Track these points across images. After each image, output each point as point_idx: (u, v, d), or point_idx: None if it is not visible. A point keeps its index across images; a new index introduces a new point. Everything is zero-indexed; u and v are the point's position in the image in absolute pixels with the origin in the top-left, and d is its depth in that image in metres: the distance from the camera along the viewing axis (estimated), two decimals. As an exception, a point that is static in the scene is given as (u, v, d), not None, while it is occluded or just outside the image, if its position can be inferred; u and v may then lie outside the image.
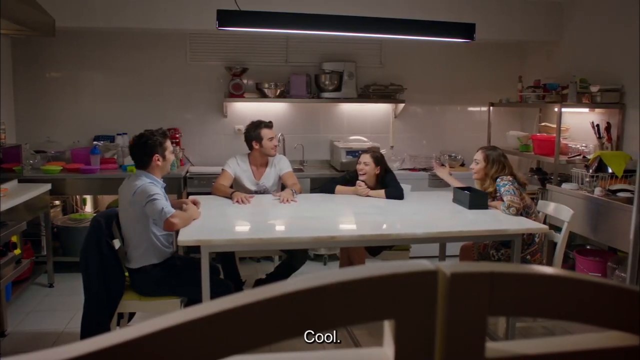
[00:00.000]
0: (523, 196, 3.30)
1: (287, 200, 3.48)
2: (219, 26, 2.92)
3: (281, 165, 3.90)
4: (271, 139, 3.76)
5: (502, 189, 3.27)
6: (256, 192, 3.82)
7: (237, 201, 3.44)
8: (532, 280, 0.53)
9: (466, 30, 3.29)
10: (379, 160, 3.71)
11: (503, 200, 3.22)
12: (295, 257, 3.66)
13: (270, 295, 0.49)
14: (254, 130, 3.78)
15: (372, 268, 0.51)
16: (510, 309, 0.53)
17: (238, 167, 3.82)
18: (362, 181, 3.69)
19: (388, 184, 3.66)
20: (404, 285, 0.51)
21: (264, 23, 3.04)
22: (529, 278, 0.53)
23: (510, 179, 3.30)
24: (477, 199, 3.31)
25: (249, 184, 3.83)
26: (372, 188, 3.69)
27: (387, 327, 0.54)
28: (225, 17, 2.89)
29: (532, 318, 3.34)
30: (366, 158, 3.70)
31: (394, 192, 3.60)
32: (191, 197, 3.30)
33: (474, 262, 3.32)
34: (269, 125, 3.80)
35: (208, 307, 0.49)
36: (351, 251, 3.57)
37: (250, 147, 3.83)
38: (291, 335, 0.51)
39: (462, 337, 0.52)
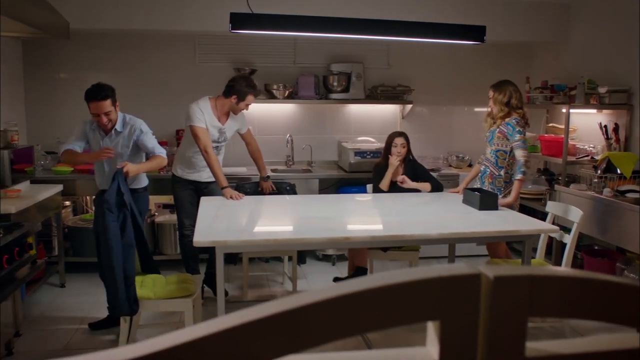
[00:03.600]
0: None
1: (270, 189, 3.91)
2: (232, 29, 2.95)
3: (242, 123, 3.99)
4: (248, 105, 3.82)
5: (517, 136, 3.49)
6: (218, 142, 3.79)
7: (231, 197, 3.55)
8: (569, 282, 0.56)
9: (476, 32, 3.31)
10: (408, 140, 3.92)
11: (512, 148, 3.51)
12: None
13: (321, 298, 0.52)
14: (244, 87, 3.70)
15: (418, 271, 0.54)
16: (549, 310, 0.56)
17: (204, 116, 3.71)
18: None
19: (421, 175, 3.90)
20: (449, 288, 0.54)
21: (276, 26, 3.07)
22: (567, 281, 0.56)
23: (523, 123, 3.52)
24: (486, 200, 3.33)
25: (213, 129, 3.73)
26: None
27: (431, 327, 0.57)
28: (239, 20, 2.92)
29: (541, 319, 3.38)
30: (402, 140, 3.87)
31: (439, 186, 3.91)
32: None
33: (513, 265, 3.38)
34: (258, 93, 3.91)
35: (267, 308, 0.51)
36: (353, 250, 3.61)
37: (226, 95, 3.74)
38: (342, 336, 0.54)
39: (503, 337, 0.55)
